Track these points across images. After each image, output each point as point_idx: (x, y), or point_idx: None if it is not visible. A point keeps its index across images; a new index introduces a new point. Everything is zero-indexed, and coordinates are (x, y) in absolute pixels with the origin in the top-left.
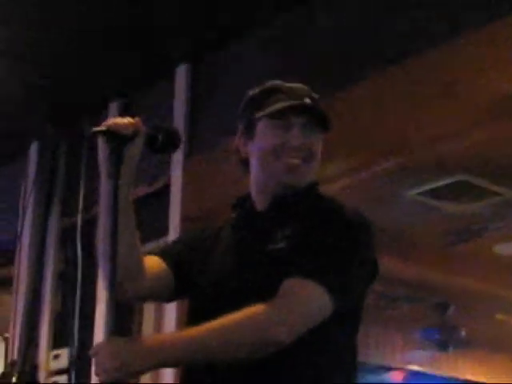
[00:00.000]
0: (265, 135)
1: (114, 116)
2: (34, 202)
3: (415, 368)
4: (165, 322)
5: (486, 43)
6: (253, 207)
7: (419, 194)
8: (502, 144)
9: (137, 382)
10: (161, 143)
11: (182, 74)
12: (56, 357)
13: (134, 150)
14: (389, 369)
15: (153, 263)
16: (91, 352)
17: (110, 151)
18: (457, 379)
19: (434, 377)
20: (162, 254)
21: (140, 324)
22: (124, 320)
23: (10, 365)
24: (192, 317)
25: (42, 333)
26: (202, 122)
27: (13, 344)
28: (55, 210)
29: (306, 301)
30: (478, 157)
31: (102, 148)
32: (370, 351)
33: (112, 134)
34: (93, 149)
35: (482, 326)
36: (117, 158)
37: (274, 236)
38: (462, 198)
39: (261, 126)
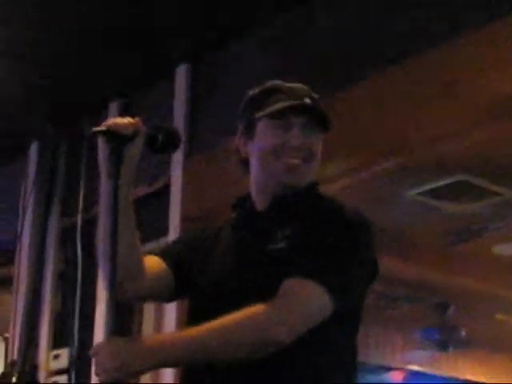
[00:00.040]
0: (265, 135)
1: (114, 116)
2: (33, 202)
3: (415, 368)
4: (165, 322)
5: (485, 43)
6: (253, 207)
7: (419, 193)
8: (502, 144)
9: (137, 382)
10: (161, 143)
11: (182, 73)
12: (56, 357)
13: (134, 149)
14: (389, 369)
15: (153, 263)
16: (91, 352)
17: (110, 151)
18: (457, 379)
19: (433, 377)
20: (162, 254)
21: (140, 324)
22: (124, 320)
23: (9, 365)
24: (192, 317)
25: (42, 333)
26: (201, 122)
27: (13, 344)
28: (55, 209)
29: (306, 301)
30: (477, 157)
31: (102, 148)
32: (370, 351)
33: (112, 134)
34: (93, 149)
35: (481, 326)
36: (117, 158)
37: (273, 236)
38: (462, 198)
39: (261, 126)
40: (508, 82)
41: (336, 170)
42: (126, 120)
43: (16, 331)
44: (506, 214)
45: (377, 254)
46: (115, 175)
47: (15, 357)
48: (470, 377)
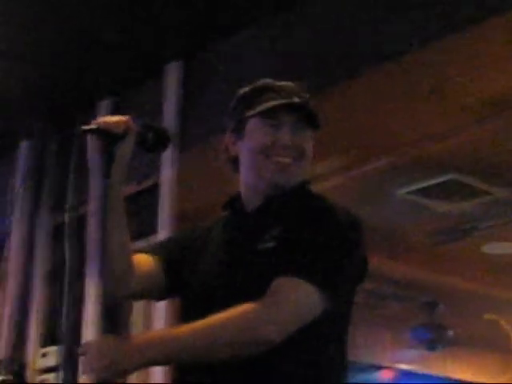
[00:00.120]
0: (255, 134)
1: (105, 114)
2: (23, 200)
3: (404, 367)
4: (154, 320)
5: (477, 43)
6: (243, 207)
7: (409, 192)
8: (493, 143)
9: (125, 381)
10: (151, 142)
11: (172, 72)
12: (44, 355)
13: (125, 148)
14: (378, 368)
15: (143, 261)
16: (80, 351)
17: (101, 150)
18: (445, 378)
19: (423, 376)
20: (153, 252)
21: (129, 323)
22: (113, 319)
23: None
24: (183, 316)
25: (31, 331)
26: (192, 120)
27: (1, 342)
28: (44, 208)
29: (296, 299)
30: (468, 156)
31: (93, 146)
32: (359, 350)
33: (103, 133)
34: (83, 147)
35: (470, 326)
36: (108, 157)
37: (264, 235)
38: (452, 197)
39: (251, 125)
40: (499, 81)
41: (327, 169)
42: (117, 118)
43: (4, 329)
44: (496, 213)
45: (367, 252)
46: (106, 174)
47: (3, 355)
48: (458, 376)
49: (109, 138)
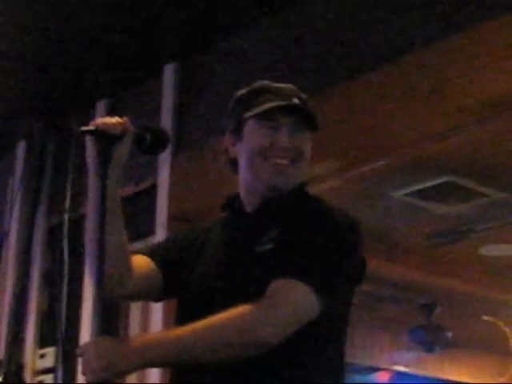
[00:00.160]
0: (253, 136)
1: (102, 115)
2: (21, 201)
3: (402, 369)
4: (151, 322)
5: (478, 44)
6: (242, 208)
7: (406, 194)
8: (489, 145)
9: (123, 382)
10: (149, 143)
11: (169, 73)
12: (42, 356)
13: (123, 149)
14: (375, 369)
15: (141, 262)
16: (78, 352)
17: (99, 151)
18: (443, 380)
19: (420, 377)
20: (151, 253)
21: (126, 324)
22: (111, 320)
23: None
24: (180, 317)
25: (28, 332)
26: (189, 122)
27: None
28: (42, 208)
29: (293, 301)
30: (464, 158)
31: (90, 147)
32: (356, 352)
33: (100, 134)
34: (81, 148)
35: (468, 328)
36: (105, 158)
37: (262, 237)
38: (449, 199)
39: (249, 127)
40: (499, 82)
41: (324, 171)
42: (115, 119)
43: (2, 330)
44: (493, 215)
45: (364, 254)
46: (103, 175)
47: (1, 356)
48: (456, 378)
49: (106, 139)
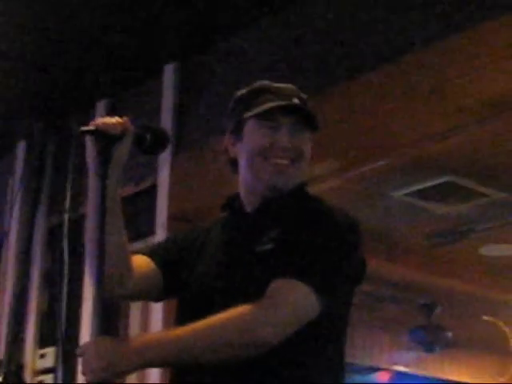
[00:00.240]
0: (253, 136)
1: (102, 115)
2: (21, 201)
3: (401, 369)
4: (151, 321)
5: (478, 44)
6: (242, 208)
7: (407, 194)
8: (489, 145)
9: (123, 382)
10: (149, 143)
11: (169, 73)
12: (42, 356)
13: (123, 149)
14: (375, 369)
15: (141, 262)
16: (78, 352)
17: (99, 151)
18: (443, 380)
19: (420, 378)
20: (151, 253)
21: (126, 324)
22: (111, 320)
23: None
24: (180, 317)
25: (28, 332)
26: (189, 122)
27: None
28: (42, 208)
29: (293, 301)
30: (464, 158)
31: (90, 147)
32: (356, 352)
33: (101, 134)
34: (80, 148)
35: (468, 328)
36: (105, 158)
37: (262, 237)
38: (449, 199)
39: (249, 127)
40: (499, 82)
41: (324, 171)
42: (115, 120)
43: (2, 330)
44: (493, 215)
45: (364, 254)
46: (103, 175)
47: (1, 356)
48: (456, 378)
49: (106, 139)
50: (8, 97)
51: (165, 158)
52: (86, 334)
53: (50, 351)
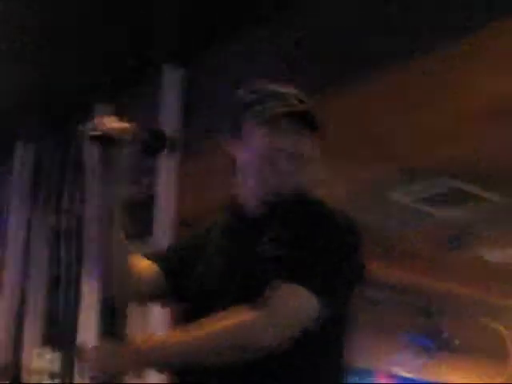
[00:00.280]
0: (256, 140)
1: (102, 116)
2: (20, 202)
3: (400, 372)
4: (151, 322)
5: (479, 50)
6: (241, 209)
7: (410, 199)
8: (494, 151)
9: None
10: (148, 144)
11: (171, 75)
12: (42, 356)
13: (127, 154)
14: (373, 372)
15: (145, 267)
16: (78, 354)
17: (104, 155)
18: (441, 383)
19: (418, 381)
20: (155, 257)
21: (127, 324)
22: (112, 320)
23: None
24: (181, 317)
25: (29, 332)
26: (190, 122)
27: None
28: (42, 209)
29: (294, 304)
30: (469, 163)
31: (93, 151)
32: (354, 355)
33: (109, 139)
34: (80, 149)
35: (467, 332)
36: (109, 162)
37: (262, 240)
38: (453, 205)
39: (253, 131)
40: (500, 89)
41: (325, 172)
42: (121, 124)
43: (2, 332)
44: (497, 221)
45: (366, 258)
46: (107, 178)
47: (1, 358)
48: (454, 381)
49: (113, 144)
50: (8, 97)
51: (166, 161)
52: (85, 334)
53: (49, 351)
